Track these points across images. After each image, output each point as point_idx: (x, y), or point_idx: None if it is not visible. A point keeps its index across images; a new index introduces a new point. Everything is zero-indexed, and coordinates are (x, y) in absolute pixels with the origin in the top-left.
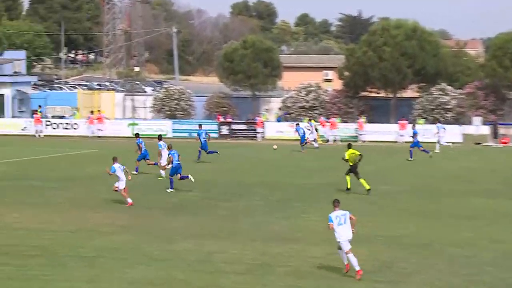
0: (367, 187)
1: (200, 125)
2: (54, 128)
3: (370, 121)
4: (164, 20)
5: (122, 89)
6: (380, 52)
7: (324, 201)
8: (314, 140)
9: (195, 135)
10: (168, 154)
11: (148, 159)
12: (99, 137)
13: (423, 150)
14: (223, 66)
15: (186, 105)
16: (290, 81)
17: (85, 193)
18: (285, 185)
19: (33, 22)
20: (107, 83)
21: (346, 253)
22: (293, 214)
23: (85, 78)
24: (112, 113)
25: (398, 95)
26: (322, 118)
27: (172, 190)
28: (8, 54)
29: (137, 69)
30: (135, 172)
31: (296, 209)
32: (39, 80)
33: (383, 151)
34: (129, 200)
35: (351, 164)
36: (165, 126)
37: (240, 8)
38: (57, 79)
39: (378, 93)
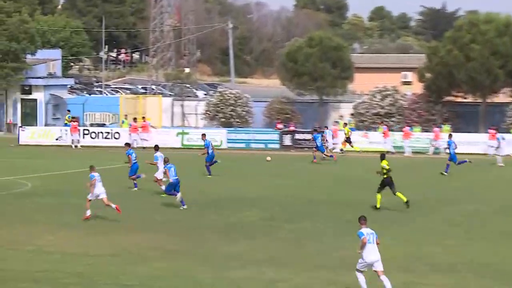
0: (405, 199)
1: (204, 135)
2: (92, 138)
3: (455, 130)
4: (218, 14)
5: (171, 93)
6: (467, 50)
7: (402, 222)
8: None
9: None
10: (164, 167)
11: (133, 175)
12: (144, 148)
13: (460, 163)
14: (285, 66)
15: (243, 111)
16: (363, 84)
17: (127, 212)
18: (357, 204)
19: (70, 17)
20: (153, 87)
21: (379, 275)
22: None
23: (129, 81)
24: (159, 120)
25: (488, 100)
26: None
27: (184, 207)
28: (42, 54)
29: (187, 70)
30: (135, 189)
31: None
32: (76, 83)
33: (469, 164)
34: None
35: (385, 176)
36: (219, 136)
37: (306, 1)
38: (96, 82)
39: (465, 98)
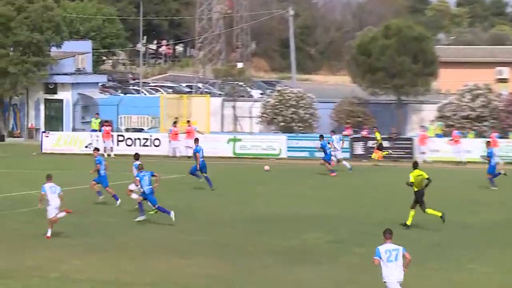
0: (439, 213)
1: (196, 140)
2: (128, 145)
3: None
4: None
5: (220, 93)
6: None
7: (502, 245)
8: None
9: (318, 149)
10: (136, 176)
11: (107, 187)
12: (189, 157)
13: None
14: (356, 61)
15: (307, 114)
16: (449, 81)
17: (168, 232)
18: (441, 224)
19: (102, 3)
20: (199, 85)
21: None
22: (455, 264)
23: (171, 78)
24: (207, 124)
25: None
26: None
27: (143, 217)
28: (69, 46)
29: (240, 65)
30: (101, 197)
31: (459, 257)
32: (109, 81)
33: None
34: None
35: (416, 189)
36: (278, 143)
37: None
38: (133, 79)
39: None
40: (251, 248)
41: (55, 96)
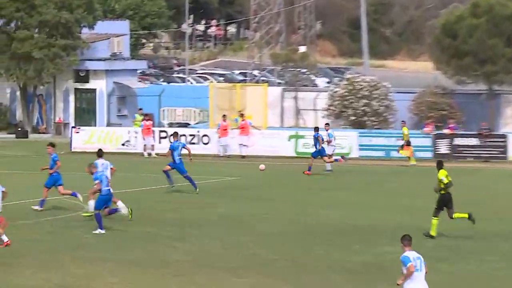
0: (466, 215)
1: (175, 134)
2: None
3: None
4: None
5: (280, 81)
6: None
7: None
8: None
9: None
10: (94, 179)
11: (61, 185)
12: (243, 156)
13: None
14: (440, 44)
15: (381, 106)
16: None
17: (217, 245)
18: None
19: None
20: (255, 72)
21: None
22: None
23: (222, 64)
24: (264, 118)
25: None
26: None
27: (102, 231)
28: (103, 27)
29: (303, 49)
30: (37, 208)
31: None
32: (150, 67)
33: None
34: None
35: (443, 192)
36: (347, 140)
37: None
38: (178, 65)
39: None
40: (315, 264)
41: (87, 86)
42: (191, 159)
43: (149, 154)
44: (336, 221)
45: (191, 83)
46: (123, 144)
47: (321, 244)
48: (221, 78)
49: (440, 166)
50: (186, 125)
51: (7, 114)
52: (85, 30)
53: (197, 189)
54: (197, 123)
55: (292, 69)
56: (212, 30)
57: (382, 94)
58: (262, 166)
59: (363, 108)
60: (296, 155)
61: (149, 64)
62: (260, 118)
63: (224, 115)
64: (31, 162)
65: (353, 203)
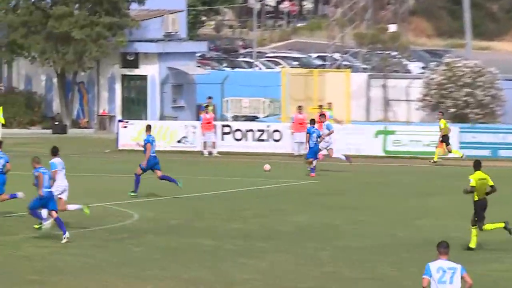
0: (501, 225)
1: (149, 127)
2: (237, 139)
3: None
4: None
5: (365, 67)
6: None
7: None
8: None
9: None
10: (34, 172)
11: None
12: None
13: None
14: None
15: (487, 96)
16: None
17: (294, 261)
18: None
19: None
20: (336, 55)
21: None
22: None
23: (296, 46)
24: (346, 111)
25: None
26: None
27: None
28: (156, 2)
29: (393, 28)
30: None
31: None
32: (211, 49)
33: None
34: None
35: (476, 198)
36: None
37: None
38: (244, 47)
39: None
40: (407, 284)
41: (136, 72)
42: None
43: (210, 153)
44: (429, 232)
45: (260, 68)
46: (179, 141)
47: (413, 260)
48: (296, 63)
49: (477, 167)
50: (253, 118)
51: (42, 106)
52: (134, 6)
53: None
54: (266, 116)
55: (380, 52)
56: (285, 6)
57: (488, 82)
58: (267, 166)
59: (465, 98)
60: (385, 155)
61: (210, 46)
62: (342, 110)
63: (299, 107)
64: (71, 162)
65: (447, 211)
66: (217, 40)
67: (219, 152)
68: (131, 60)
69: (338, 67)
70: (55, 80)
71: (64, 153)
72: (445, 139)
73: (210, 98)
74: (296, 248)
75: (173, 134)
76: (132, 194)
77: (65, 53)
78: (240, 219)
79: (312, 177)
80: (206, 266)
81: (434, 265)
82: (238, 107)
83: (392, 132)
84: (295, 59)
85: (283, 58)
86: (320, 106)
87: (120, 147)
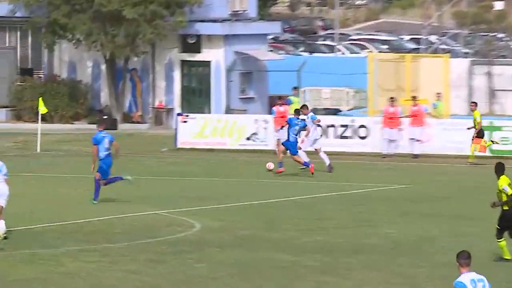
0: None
1: (101, 121)
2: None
3: None
4: None
5: (467, 51)
6: None
7: None
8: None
9: None
10: None
11: None
12: (415, 156)
13: None
14: None
15: None
16: None
17: (385, 280)
18: None
19: None
20: (432, 37)
21: None
22: None
23: (385, 26)
24: (445, 102)
25: None
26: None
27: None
28: None
29: (499, 5)
30: None
31: None
32: (285, 31)
33: None
34: None
35: (507, 207)
36: None
37: None
38: (323, 29)
39: None
40: None
41: (198, 57)
42: (117, 157)
43: (284, 152)
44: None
45: (343, 53)
46: (248, 138)
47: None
48: (385, 47)
49: (500, 171)
50: (335, 111)
51: (88, 97)
52: None
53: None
54: (351, 109)
55: (484, 34)
56: None
57: None
58: (270, 165)
59: None
60: (491, 154)
61: (284, 27)
62: (442, 103)
63: (391, 98)
64: (121, 163)
65: None
66: (292, 20)
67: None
68: (192, 44)
69: (435, 52)
70: (103, 67)
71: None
72: (480, 134)
73: (295, 89)
74: (387, 264)
75: (241, 130)
76: (94, 202)
77: (115, 35)
78: (321, 230)
79: (279, 172)
80: (281, 285)
81: (465, 279)
82: (317, 98)
83: (499, 128)
84: (384, 42)
85: (370, 41)
86: (414, 98)
87: (179, 145)
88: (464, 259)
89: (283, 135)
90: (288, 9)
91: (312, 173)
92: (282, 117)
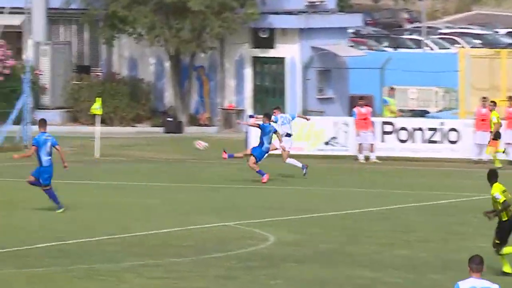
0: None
1: (42, 122)
2: (402, 140)
3: None
4: None
5: None
6: None
7: None
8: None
9: None
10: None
11: None
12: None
13: None
14: None
15: None
16: None
17: None
18: None
19: None
20: None
21: None
22: None
23: (478, 19)
24: None
25: None
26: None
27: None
28: None
29: None
30: None
31: None
32: (367, 24)
33: None
34: None
35: (505, 218)
36: None
37: None
38: (410, 22)
39: None
40: None
41: (271, 53)
42: (65, 166)
43: (367, 158)
44: None
45: (431, 48)
46: (326, 143)
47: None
48: (478, 41)
49: (494, 178)
50: (423, 113)
51: (151, 97)
52: None
53: (62, 209)
54: (440, 111)
55: None
56: None
57: None
58: (200, 143)
59: None
60: None
61: (367, 20)
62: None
63: (484, 98)
64: (187, 170)
65: None
66: (375, 12)
67: (378, 157)
68: (265, 38)
69: None
70: (167, 64)
71: (180, 158)
72: (497, 136)
73: (392, 89)
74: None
75: (319, 133)
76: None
77: (180, 29)
78: (406, 243)
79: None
80: None
81: (464, 285)
82: (403, 98)
83: None
84: (476, 36)
85: (461, 35)
86: (510, 98)
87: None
88: (475, 264)
89: (365, 139)
90: (371, 0)
91: (264, 182)
92: (364, 119)
